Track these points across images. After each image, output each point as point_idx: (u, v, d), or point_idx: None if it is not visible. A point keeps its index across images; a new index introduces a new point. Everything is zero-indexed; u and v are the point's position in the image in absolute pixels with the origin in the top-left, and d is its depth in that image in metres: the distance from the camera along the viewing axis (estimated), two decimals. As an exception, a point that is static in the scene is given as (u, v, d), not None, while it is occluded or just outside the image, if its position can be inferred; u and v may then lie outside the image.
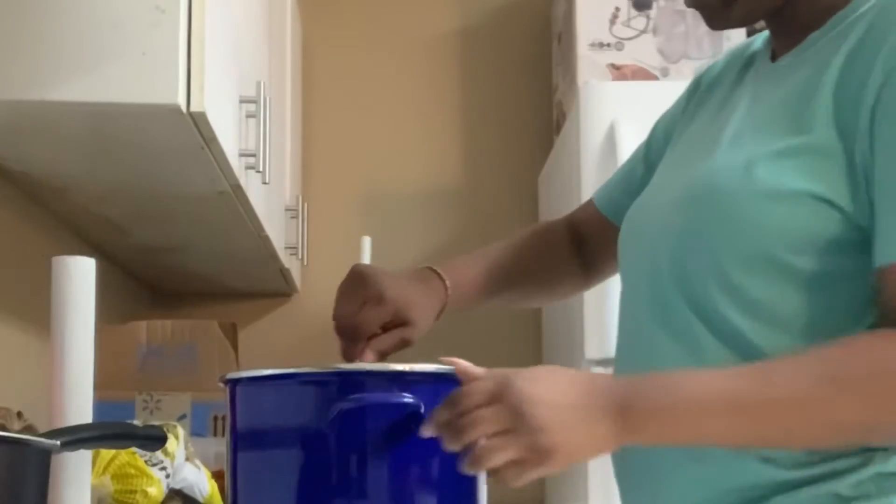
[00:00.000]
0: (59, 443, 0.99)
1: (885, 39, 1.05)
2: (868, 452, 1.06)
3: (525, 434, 0.99)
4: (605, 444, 1.02)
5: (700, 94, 1.32)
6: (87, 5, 1.38)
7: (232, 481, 1.12)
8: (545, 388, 1.01)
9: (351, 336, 1.23)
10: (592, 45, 2.61)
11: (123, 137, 1.56)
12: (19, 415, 1.42)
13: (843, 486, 1.05)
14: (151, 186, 1.87)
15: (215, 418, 1.95)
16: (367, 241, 1.34)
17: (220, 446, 1.83)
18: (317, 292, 2.99)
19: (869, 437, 1.04)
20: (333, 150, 3.07)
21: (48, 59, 1.37)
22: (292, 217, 2.62)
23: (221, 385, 1.15)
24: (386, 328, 1.24)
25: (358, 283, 1.25)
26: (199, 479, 1.44)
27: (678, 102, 1.38)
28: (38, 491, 0.97)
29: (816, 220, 1.06)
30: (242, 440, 1.12)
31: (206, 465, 1.50)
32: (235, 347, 2.08)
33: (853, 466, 1.06)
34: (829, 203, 1.05)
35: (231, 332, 2.08)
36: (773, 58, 1.21)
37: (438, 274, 1.32)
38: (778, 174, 1.07)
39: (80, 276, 1.11)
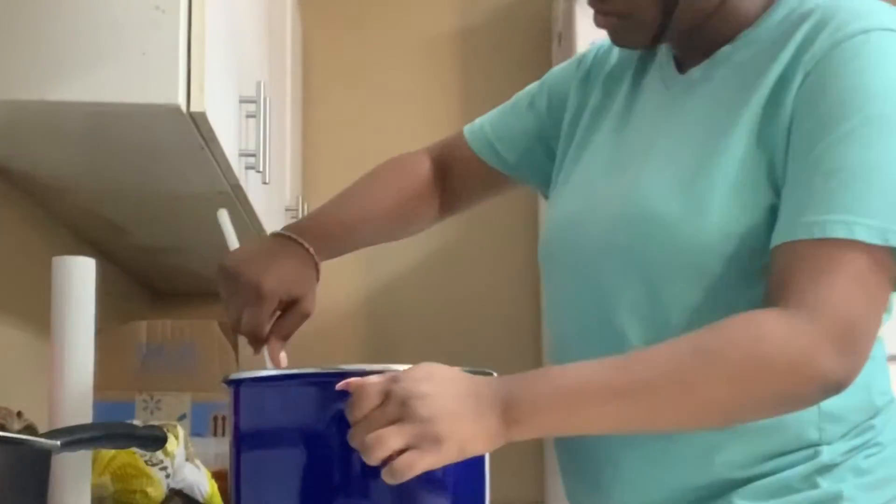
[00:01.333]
0: (59, 443, 0.99)
1: (810, 51, 1.11)
2: (815, 447, 1.13)
3: (412, 423, 1.00)
4: (494, 437, 1.03)
5: (595, 83, 1.36)
6: (87, 5, 1.38)
7: (234, 481, 1.12)
8: (432, 383, 1.02)
9: (252, 338, 1.26)
10: (592, 45, 2.61)
11: (123, 137, 1.56)
12: (19, 415, 1.42)
13: (794, 478, 1.13)
14: (151, 186, 1.86)
15: (215, 418, 1.94)
16: (224, 215, 1.31)
17: (220, 446, 1.82)
18: (317, 292, 2.98)
19: (740, 415, 1.08)
20: (333, 150, 3.07)
21: (48, 59, 1.37)
22: (292, 217, 2.61)
23: (224, 385, 1.15)
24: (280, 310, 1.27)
25: (231, 285, 1.25)
26: (199, 479, 1.44)
27: (566, 76, 1.42)
28: (38, 491, 0.97)
29: (764, 231, 1.11)
30: (245, 440, 1.12)
31: (206, 465, 1.50)
32: (235, 347, 2.08)
33: (801, 460, 1.13)
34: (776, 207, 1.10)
35: (231, 332, 2.08)
36: (681, 69, 1.24)
37: (298, 241, 1.32)
38: (719, 199, 1.12)
39: (80, 276, 1.12)
